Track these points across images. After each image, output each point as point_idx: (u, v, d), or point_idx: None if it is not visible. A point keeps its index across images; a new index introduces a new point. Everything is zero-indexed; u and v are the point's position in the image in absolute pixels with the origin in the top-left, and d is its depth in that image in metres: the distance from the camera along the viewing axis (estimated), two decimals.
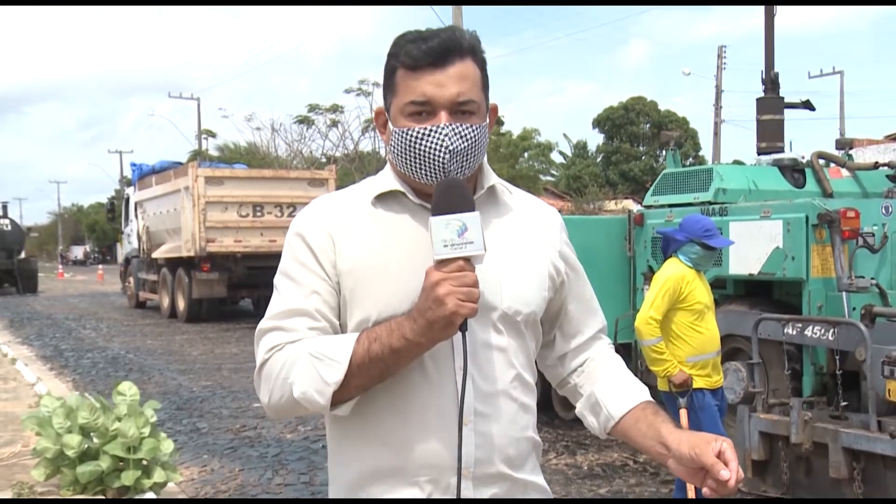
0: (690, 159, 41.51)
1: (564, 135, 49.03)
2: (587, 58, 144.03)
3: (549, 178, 45.88)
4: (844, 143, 7.88)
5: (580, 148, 45.51)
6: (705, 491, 1.57)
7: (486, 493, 1.66)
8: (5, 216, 32.06)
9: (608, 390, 1.79)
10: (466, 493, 1.64)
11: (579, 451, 6.88)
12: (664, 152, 8.22)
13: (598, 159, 44.75)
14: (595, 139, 45.50)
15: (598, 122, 44.53)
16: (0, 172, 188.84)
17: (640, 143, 43.51)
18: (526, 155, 43.52)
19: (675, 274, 4.82)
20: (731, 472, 1.54)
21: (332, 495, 1.77)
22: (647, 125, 42.77)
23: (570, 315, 1.85)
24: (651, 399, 1.80)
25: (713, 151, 36.07)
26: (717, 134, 36.46)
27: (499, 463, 1.67)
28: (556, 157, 47.07)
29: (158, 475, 5.36)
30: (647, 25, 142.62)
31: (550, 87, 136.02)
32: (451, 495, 1.63)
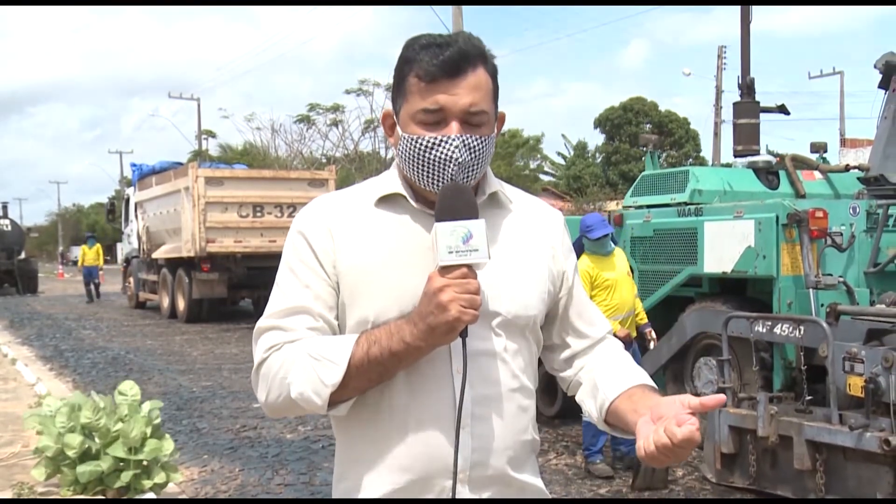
0: (690, 160, 41.64)
1: (563, 135, 49.00)
2: (587, 58, 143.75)
3: (549, 178, 45.98)
4: (819, 147, 8.06)
5: (580, 148, 45.57)
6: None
7: (483, 496, 1.67)
8: (5, 216, 32.13)
9: (606, 374, 1.77)
10: (462, 496, 1.64)
11: (579, 451, 6.74)
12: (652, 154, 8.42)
13: (599, 159, 44.82)
14: (596, 139, 45.56)
15: (599, 123, 44.58)
16: (1, 172, 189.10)
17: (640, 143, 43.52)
18: (519, 153, 43.61)
19: (581, 266, 6.01)
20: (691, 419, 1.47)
21: (334, 493, 1.78)
22: (648, 125, 42.83)
23: (576, 317, 1.84)
24: (651, 383, 1.74)
25: (713, 152, 36.13)
26: (717, 134, 36.46)
27: (496, 465, 1.67)
28: (555, 158, 47.22)
29: (158, 476, 5.35)
30: (648, 26, 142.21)
31: (551, 88, 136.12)
32: (447, 497, 1.64)
